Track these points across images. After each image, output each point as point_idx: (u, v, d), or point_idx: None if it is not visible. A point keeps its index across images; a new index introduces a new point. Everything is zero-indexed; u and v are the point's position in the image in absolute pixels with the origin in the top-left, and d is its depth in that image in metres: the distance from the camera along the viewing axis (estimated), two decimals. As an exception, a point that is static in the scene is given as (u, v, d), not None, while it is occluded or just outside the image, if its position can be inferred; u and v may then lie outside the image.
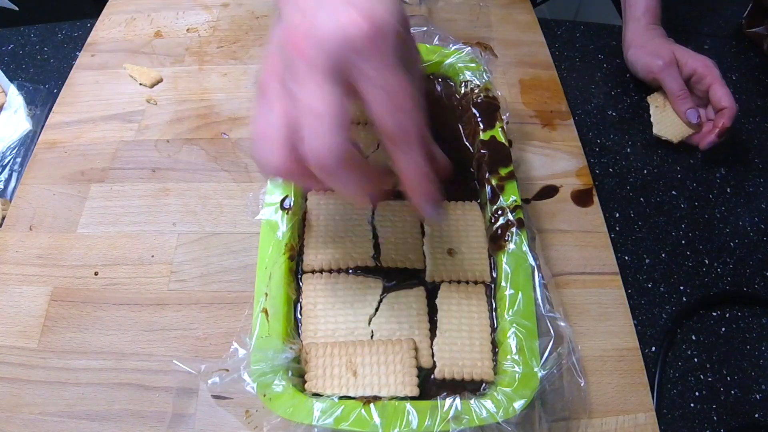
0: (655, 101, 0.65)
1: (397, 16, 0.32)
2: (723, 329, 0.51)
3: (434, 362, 0.41)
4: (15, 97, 0.65)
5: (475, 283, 0.45)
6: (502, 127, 0.51)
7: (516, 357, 0.39)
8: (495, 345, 0.42)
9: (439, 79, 0.58)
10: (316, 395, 0.39)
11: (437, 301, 0.44)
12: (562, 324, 0.42)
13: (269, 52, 0.34)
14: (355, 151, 0.32)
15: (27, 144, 0.61)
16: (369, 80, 0.31)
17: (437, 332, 0.42)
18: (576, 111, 0.65)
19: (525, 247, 0.44)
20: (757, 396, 0.48)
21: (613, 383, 0.47)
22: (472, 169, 0.52)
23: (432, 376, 0.41)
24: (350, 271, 0.45)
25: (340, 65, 0.31)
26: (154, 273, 0.51)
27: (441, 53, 0.56)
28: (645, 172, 0.61)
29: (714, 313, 0.52)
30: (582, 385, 0.43)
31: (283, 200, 0.46)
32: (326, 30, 0.30)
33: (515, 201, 0.47)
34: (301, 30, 0.31)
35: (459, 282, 0.45)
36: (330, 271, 0.45)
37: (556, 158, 0.60)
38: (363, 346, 0.40)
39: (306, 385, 0.39)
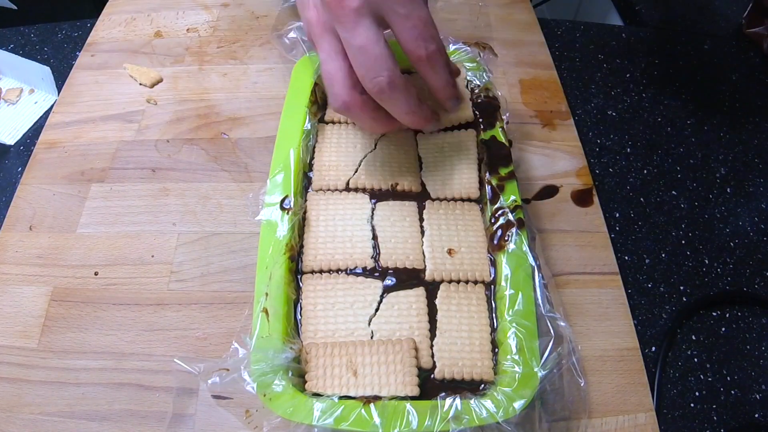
0: None
1: None
2: (723, 329, 0.51)
3: (434, 362, 0.41)
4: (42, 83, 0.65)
5: (475, 283, 0.45)
6: (502, 127, 0.51)
7: (516, 357, 0.39)
8: (495, 345, 0.42)
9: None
10: (317, 395, 0.39)
11: (437, 302, 0.44)
12: (562, 324, 0.42)
13: (309, 8, 0.43)
14: (403, 76, 0.41)
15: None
16: (400, 17, 0.39)
17: (437, 332, 0.42)
18: (576, 111, 0.65)
19: (525, 247, 0.44)
20: (757, 396, 0.48)
21: (613, 383, 0.47)
22: (472, 169, 0.52)
23: (432, 377, 0.41)
24: (350, 271, 0.45)
25: (377, 9, 0.39)
26: (154, 273, 0.51)
27: (441, 53, 0.56)
28: (645, 172, 0.61)
29: (714, 313, 0.52)
30: (582, 385, 0.43)
31: (283, 200, 0.46)
32: None
33: (515, 201, 0.47)
34: None
35: (459, 282, 0.45)
36: (330, 271, 0.45)
37: (556, 158, 0.60)
38: (363, 346, 0.40)
39: (306, 385, 0.39)
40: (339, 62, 0.41)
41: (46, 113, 0.64)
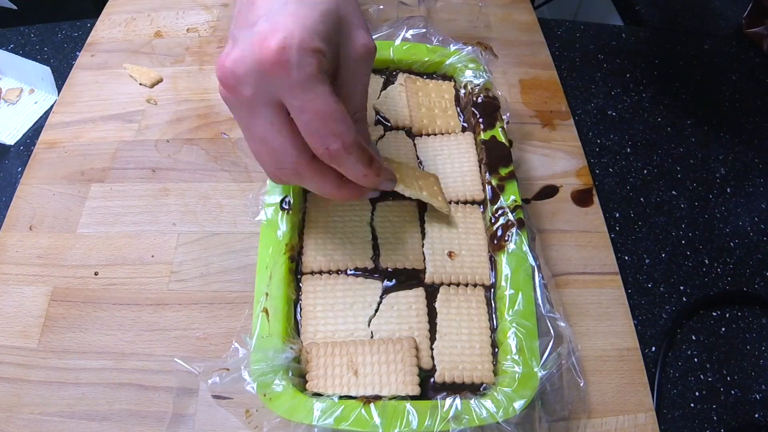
0: None
1: (314, 26, 0.32)
2: (723, 329, 0.51)
3: (434, 365, 0.41)
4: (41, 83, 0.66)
5: (475, 286, 0.45)
6: (503, 127, 0.51)
7: (516, 357, 0.39)
8: (495, 345, 0.42)
9: (440, 79, 0.58)
10: (317, 395, 0.39)
11: (436, 305, 0.44)
12: (562, 324, 0.42)
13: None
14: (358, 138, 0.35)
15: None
16: (294, 108, 0.33)
17: (437, 336, 0.42)
18: (576, 111, 0.65)
19: (525, 247, 0.44)
20: (757, 396, 0.48)
21: (613, 383, 0.47)
22: (472, 169, 0.52)
23: (432, 380, 0.40)
24: (350, 272, 0.45)
25: (268, 92, 0.33)
26: (154, 273, 0.51)
27: (441, 53, 0.56)
28: (645, 172, 0.61)
29: (714, 313, 0.52)
30: (582, 385, 0.43)
31: (282, 200, 0.46)
32: (243, 62, 0.32)
33: (515, 201, 0.47)
34: (226, 63, 0.32)
35: (458, 285, 0.45)
36: (329, 272, 0.45)
37: (556, 158, 0.60)
38: (364, 345, 0.40)
39: (307, 385, 0.39)
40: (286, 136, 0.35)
41: (46, 113, 0.64)
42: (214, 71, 0.34)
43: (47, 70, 0.65)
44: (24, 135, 0.63)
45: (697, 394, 0.48)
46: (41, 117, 0.64)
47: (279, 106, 0.33)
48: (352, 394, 0.38)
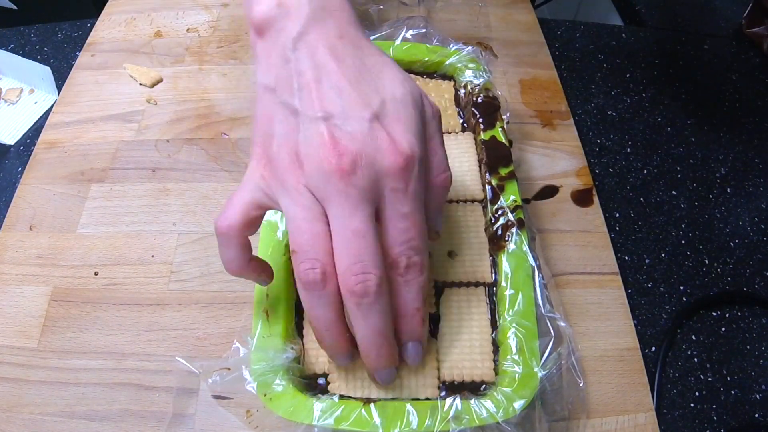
0: None
1: (422, 142, 0.34)
2: (723, 329, 0.51)
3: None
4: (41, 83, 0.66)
5: (476, 285, 0.45)
6: (503, 127, 0.51)
7: (516, 357, 0.39)
8: (495, 345, 0.42)
9: (440, 79, 0.58)
10: (317, 395, 0.39)
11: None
12: (562, 324, 0.42)
13: (280, 146, 0.33)
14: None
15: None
16: (398, 213, 0.33)
17: (438, 335, 0.42)
18: (576, 111, 0.65)
19: (525, 247, 0.44)
20: (757, 396, 0.48)
21: (613, 383, 0.47)
22: (472, 169, 0.52)
23: (432, 378, 0.41)
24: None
25: (377, 196, 0.32)
26: (154, 273, 0.51)
27: (441, 53, 0.56)
28: (645, 172, 0.61)
29: (714, 313, 0.52)
30: (581, 385, 0.43)
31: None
32: (365, 154, 0.31)
33: (515, 201, 0.47)
34: (345, 147, 0.31)
35: (459, 284, 0.45)
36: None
37: (556, 158, 0.60)
38: None
39: (329, 387, 0.39)
40: (320, 226, 0.32)
41: (46, 113, 0.64)
42: (321, 146, 0.31)
43: (47, 70, 0.65)
44: (24, 135, 0.63)
45: (697, 394, 0.48)
46: (41, 117, 0.64)
47: (373, 209, 0.32)
48: (373, 396, 0.38)
